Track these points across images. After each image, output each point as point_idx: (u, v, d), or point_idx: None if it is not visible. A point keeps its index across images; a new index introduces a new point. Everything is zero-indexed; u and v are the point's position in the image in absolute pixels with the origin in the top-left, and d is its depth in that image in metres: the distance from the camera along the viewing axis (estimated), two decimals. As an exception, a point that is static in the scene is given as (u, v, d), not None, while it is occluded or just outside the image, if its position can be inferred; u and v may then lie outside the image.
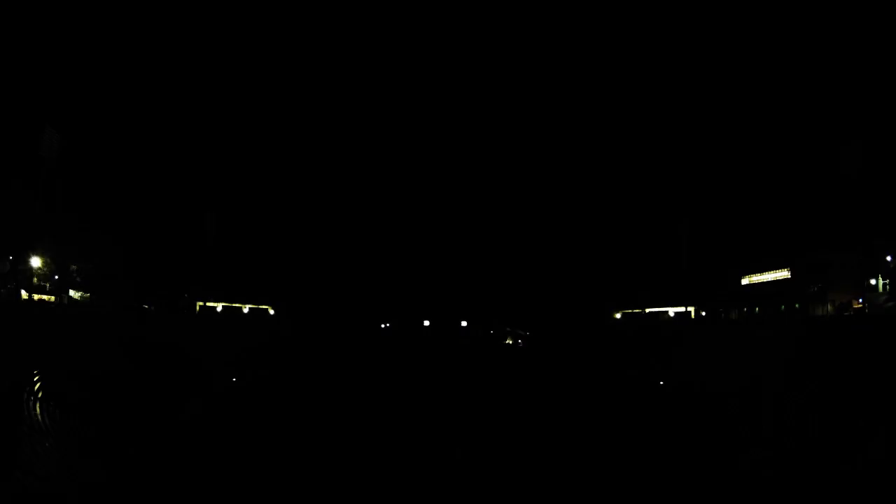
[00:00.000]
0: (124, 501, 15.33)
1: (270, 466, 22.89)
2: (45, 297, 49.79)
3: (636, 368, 53.34)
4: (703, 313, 77.10)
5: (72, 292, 53.88)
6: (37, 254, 43.92)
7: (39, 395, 21.14)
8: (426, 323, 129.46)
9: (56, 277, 49.21)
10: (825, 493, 15.73)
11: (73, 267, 50.63)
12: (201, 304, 74.04)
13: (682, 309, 74.15)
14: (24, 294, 45.14)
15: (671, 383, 45.47)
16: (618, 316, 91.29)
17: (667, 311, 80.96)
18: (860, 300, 45.57)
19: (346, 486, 20.81)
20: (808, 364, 33.20)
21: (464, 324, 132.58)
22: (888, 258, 45.01)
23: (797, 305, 59.07)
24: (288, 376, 53.73)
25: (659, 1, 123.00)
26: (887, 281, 48.33)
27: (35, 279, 46.10)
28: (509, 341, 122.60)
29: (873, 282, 50.00)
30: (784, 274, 62.80)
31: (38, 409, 19.23)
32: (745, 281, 69.43)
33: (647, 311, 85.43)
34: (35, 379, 22.72)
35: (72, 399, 22.61)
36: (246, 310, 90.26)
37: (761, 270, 66.58)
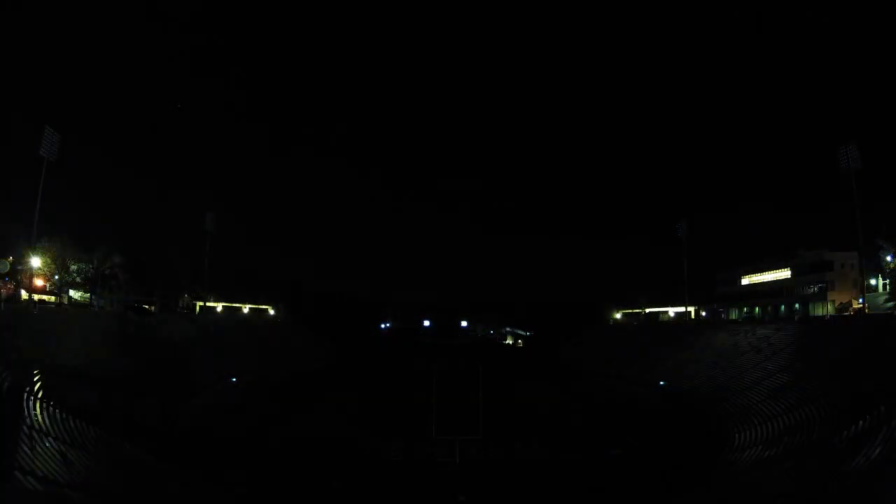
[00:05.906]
0: (124, 501, 15.33)
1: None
2: (45, 297, 49.71)
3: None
4: (704, 313, 77.15)
5: (72, 292, 53.77)
6: (37, 254, 43.85)
7: (39, 395, 21.11)
8: (426, 323, 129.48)
9: (56, 277, 49.11)
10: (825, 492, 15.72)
11: (73, 267, 50.45)
12: (201, 304, 73.99)
13: (682, 309, 74.17)
14: (23, 294, 45.13)
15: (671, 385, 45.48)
16: (618, 316, 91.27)
17: (667, 311, 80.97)
18: (860, 300, 45.48)
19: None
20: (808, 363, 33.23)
21: (464, 324, 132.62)
22: (888, 258, 44.91)
23: (797, 305, 59.12)
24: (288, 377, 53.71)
25: (664, 2, 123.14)
26: (887, 281, 48.22)
27: (35, 279, 46.02)
28: (509, 341, 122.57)
29: (873, 282, 49.93)
30: (784, 274, 62.81)
31: (38, 409, 19.20)
32: (745, 281, 69.45)
33: (647, 311, 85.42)
34: (35, 379, 22.70)
35: (72, 399, 22.58)
36: (246, 310, 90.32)
37: (761, 270, 66.61)
